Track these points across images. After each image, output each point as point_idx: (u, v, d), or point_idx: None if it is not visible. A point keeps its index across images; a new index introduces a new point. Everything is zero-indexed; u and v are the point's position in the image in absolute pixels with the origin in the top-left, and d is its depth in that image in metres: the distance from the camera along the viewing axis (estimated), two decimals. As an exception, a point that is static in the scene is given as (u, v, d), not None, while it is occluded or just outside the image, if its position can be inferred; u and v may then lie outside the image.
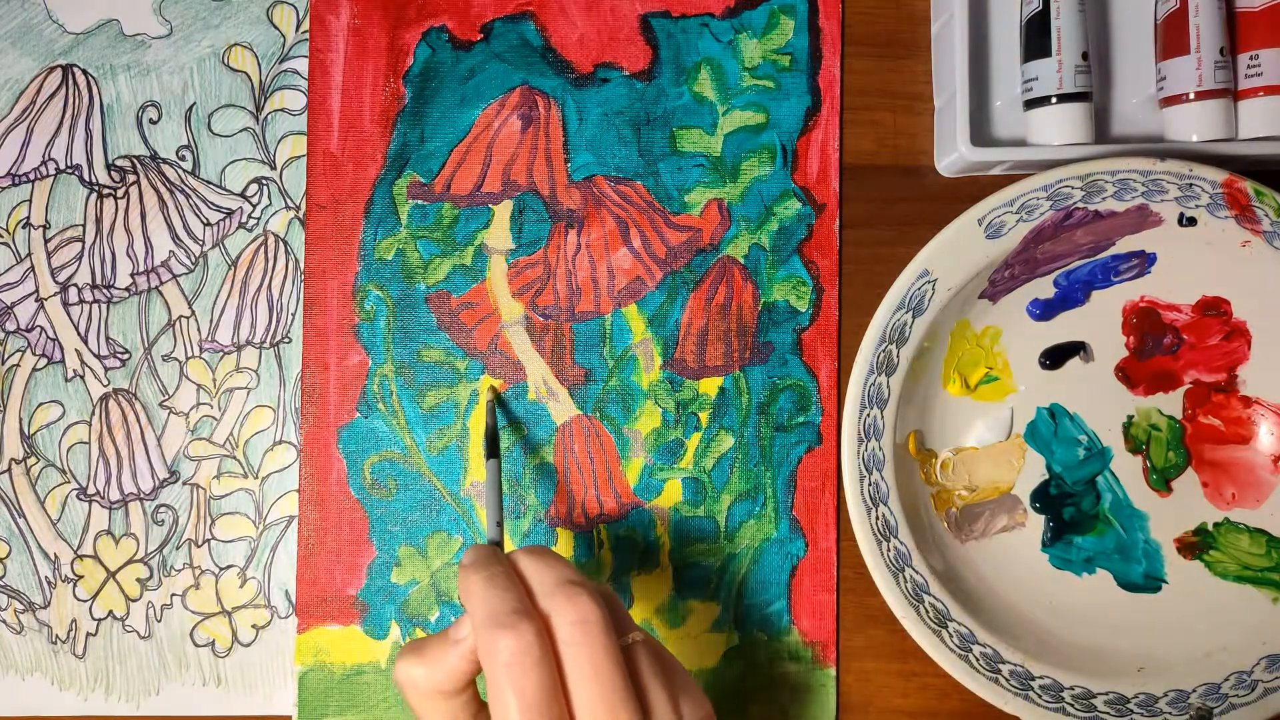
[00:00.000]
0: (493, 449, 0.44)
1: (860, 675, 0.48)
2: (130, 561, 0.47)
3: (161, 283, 0.48)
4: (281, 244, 0.48)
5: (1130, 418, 0.47)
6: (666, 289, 0.48)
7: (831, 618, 0.47)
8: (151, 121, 0.48)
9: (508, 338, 0.48)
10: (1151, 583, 0.47)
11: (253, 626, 0.47)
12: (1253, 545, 0.46)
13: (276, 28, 0.48)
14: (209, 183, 0.48)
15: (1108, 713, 0.44)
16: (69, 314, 0.48)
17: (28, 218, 0.48)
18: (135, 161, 0.48)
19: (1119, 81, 0.48)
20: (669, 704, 0.33)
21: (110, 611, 0.47)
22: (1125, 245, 0.45)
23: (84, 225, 0.48)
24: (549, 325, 0.48)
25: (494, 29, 0.48)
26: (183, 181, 0.48)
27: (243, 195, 0.48)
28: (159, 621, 0.47)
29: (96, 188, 0.48)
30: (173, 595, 0.47)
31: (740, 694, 0.47)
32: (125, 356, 0.48)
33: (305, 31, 0.48)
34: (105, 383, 0.48)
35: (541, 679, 0.31)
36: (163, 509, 0.48)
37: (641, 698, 0.33)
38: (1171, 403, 0.47)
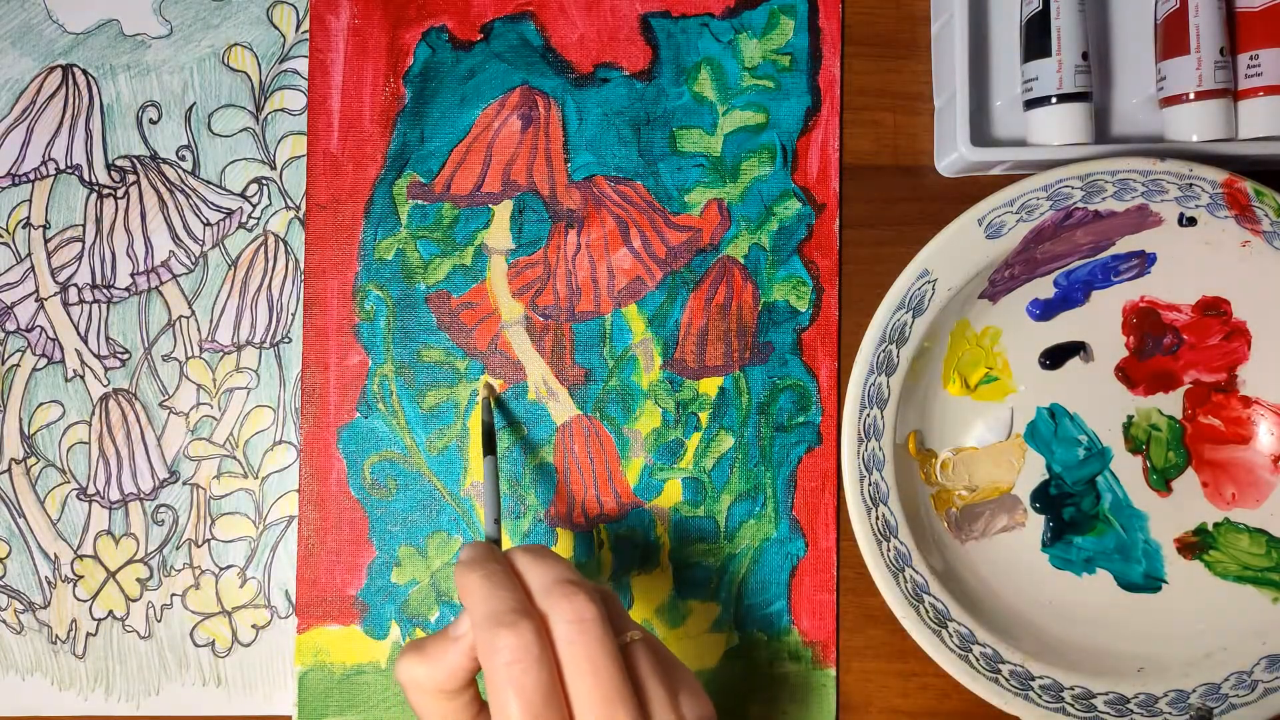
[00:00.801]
0: (489, 446, 0.44)
1: (860, 675, 0.48)
2: (130, 561, 0.47)
3: (161, 283, 0.48)
4: (281, 244, 0.48)
5: (1130, 418, 0.47)
6: (666, 289, 0.48)
7: (831, 618, 0.47)
8: (151, 121, 0.48)
9: (508, 338, 0.48)
10: (1151, 583, 0.47)
11: (253, 626, 0.47)
12: (1253, 545, 0.46)
13: (276, 28, 0.48)
14: (209, 183, 0.48)
15: (1108, 713, 0.44)
16: (69, 314, 0.48)
17: (28, 218, 0.48)
18: (135, 161, 0.48)
19: (1119, 81, 0.48)
20: (668, 701, 0.33)
21: (110, 611, 0.47)
22: (1125, 245, 0.45)
23: (84, 225, 0.48)
24: (549, 325, 0.48)
25: (494, 29, 0.48)
26: (183, 181, 0.48)
27: (243, 195, 0.48)
28: (159, 621, 0.47)
29: (96, 188, 0.48)
30: (173, 595, 0.47)
31: (740, 694, 0.47)
32: (125, 356, 0.48)
33: (305, 31, 0.48)
34: (105, 383, 0.48)
35: (541, 677, 0.31)
36: (163, 509, 0.48)
37: (640, 695, 0.33)
38: (1171, 403, 0.47)
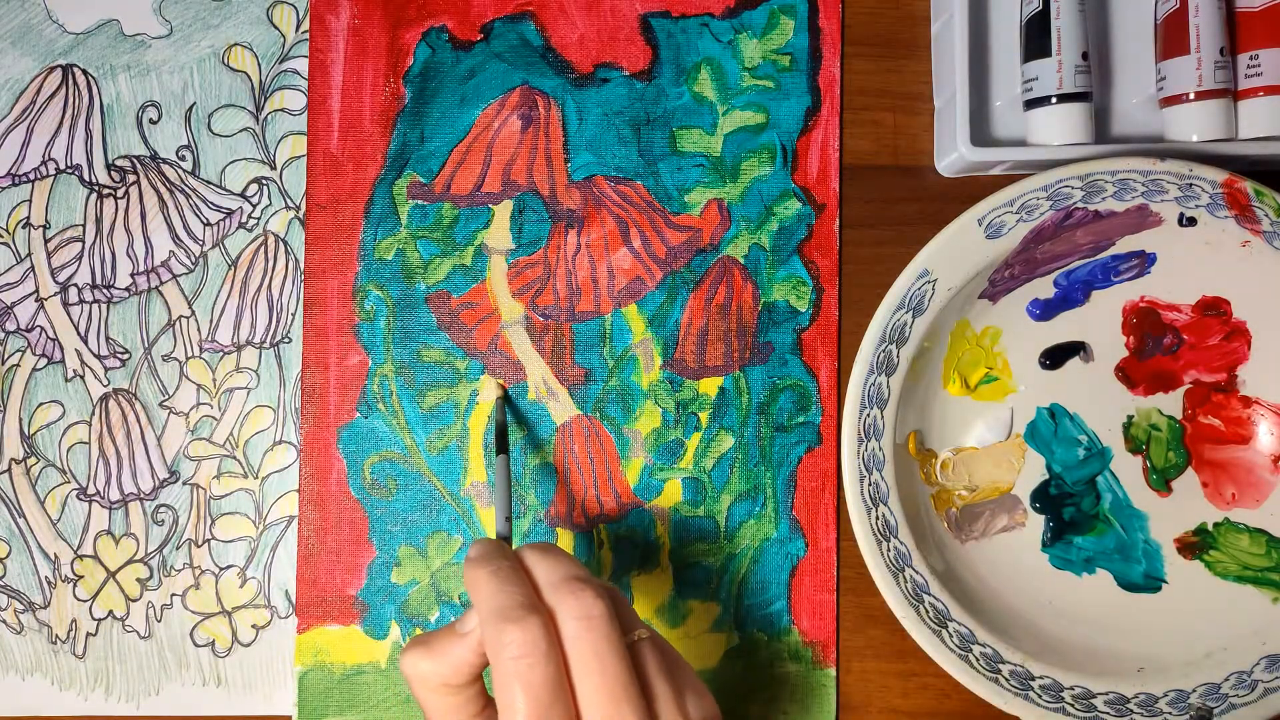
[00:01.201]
0: (502, 445, 0.44)
1: (860, 675, 0.48)
2: (130, 561, 0.47)
3: (161, 283, 0.48)
4: (281, 244, 0.48)
5: (1130, 418, 0.47)
6: (666, 289, 0.48)
7: (831, 618, 0.47)
8: (151, 121, 0.48)
9: (508, 338, 0.48)
10: (1151, 583, 0.47)
11: (253, 626, 0.47)
12: (1253, 545, 0.46)
13: (276, 28, 0.48)
14: (209, 183, 0.48)
15: (1108, 713, 0.44)
16: (69, 314, 0.48)
17: (28, 218, 0.48)
18: (135, 161, 0.48)
19: (1119, 81, 0.48)
20: (674, 700, 0.33)
21: (110, 611, 0.47)
22: (1125, 245, 0.45)
23: (84, 225, 0.48)
24: (549, 325, 0.48)
25: (494, 29, 0.48)
26: (183, 181, 0.48)
27: (243, 195, 0.48)
28: (159, 621, 0.47)
29: (96, 188, 0.48)
30: (173, 595, 0.47)
31: (740, 694, 0.47)
32: (125, 356, 0.48)
33: (305, 31, 0.48)
34: (105, 383, 0.48)
35: (548, 673, 0.32)
36: (163, 509, 0.48)
37: (646, 693, 0.33)
38: (1171, 403, 0.47)
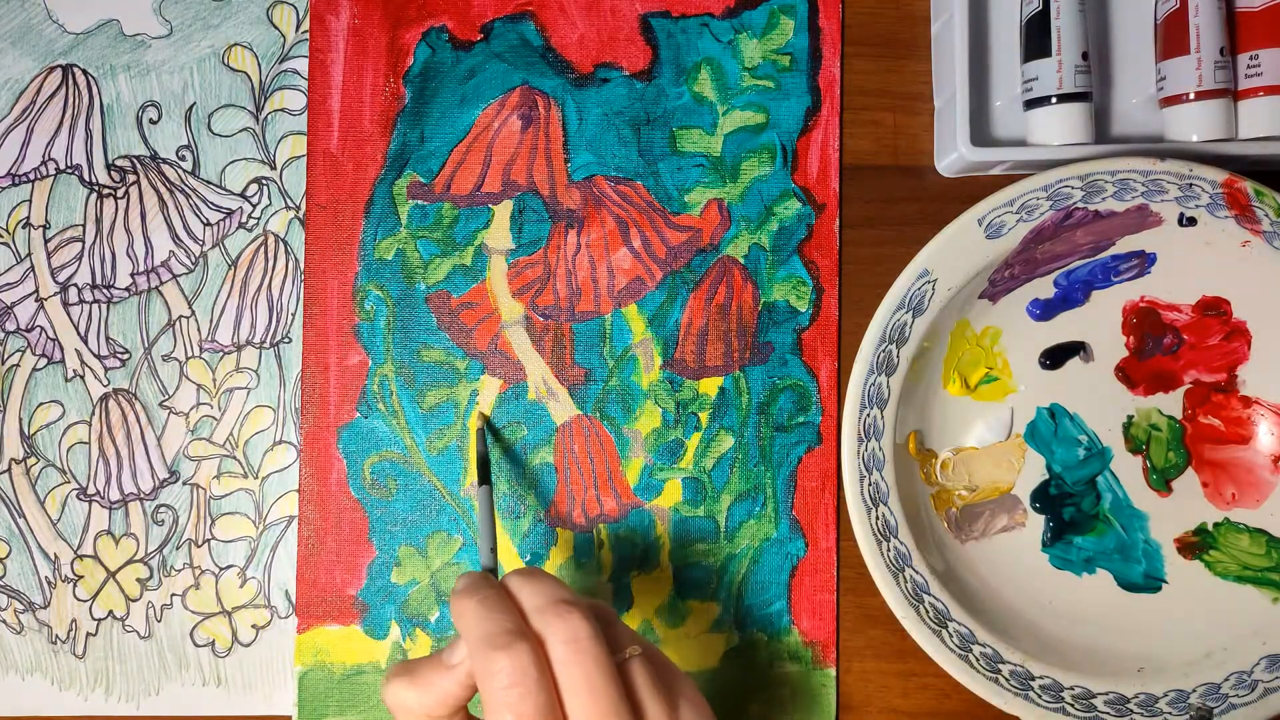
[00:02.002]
0: (484, 476, 0.44)
1: (860, 675, 0.48)
2: (130, 561, 0.47)
3: (161, 283, 0.48)
4: (281, 244, 0.48)
5: (1130, 418, 0.47)
6: (666, 289, 0.48)
7: (831, 618, 0.47)
8: (151, 121, 0.48)
9: (508, 338, 0.48)
10: (1151, 583, 0.47)
11: (253, 626, 0.47)
12: (1253, 545, 0.46)
13: (276, 28, 0.48)
14: (209, 183, 0.48)
15: (1108, 713, 0.44)
16: (69, 314, 0.48)
17: (28, 218, 0.48)
18: (135, 161, 0.48)
19: (1119, 81, 0.48)
20: (667, 717, 0.33)
21: (110, 611, 0.47)
22: (1125, 245, 0.45)
23: (84, 225, 0.48)
24: (549, 325, 0.48)
25: (494, 29, 0.48)
26: (183, 181, 0.48)
27: (243, 195, 0.48)
28: (159, 621, 0.47)
29: (96, 188, 0.48)
30: (173, 595, 0.47)
31: (740, 694, 0.47)
32: (125, 356, 0.48)
33: (305, 31, 0.48)
34: (105, 383, 0.48)
35: (539, 700, 0.31)
36: (163, 509, 0.48)
37: (638, 712, 0.33)
38: (1171, 403, 0.47)
